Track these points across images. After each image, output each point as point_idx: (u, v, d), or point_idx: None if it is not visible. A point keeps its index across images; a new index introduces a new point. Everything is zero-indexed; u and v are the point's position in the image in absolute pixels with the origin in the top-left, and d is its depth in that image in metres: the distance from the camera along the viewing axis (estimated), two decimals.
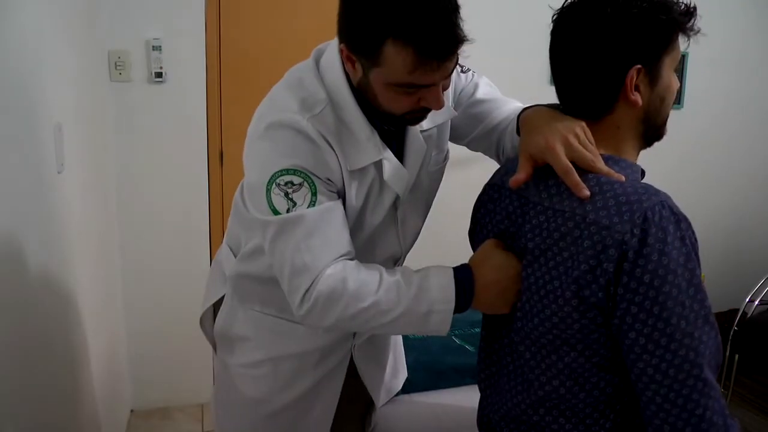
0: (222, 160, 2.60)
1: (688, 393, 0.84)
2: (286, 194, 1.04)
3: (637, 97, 0.93)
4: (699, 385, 0.84)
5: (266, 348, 1.29)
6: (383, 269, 1.07)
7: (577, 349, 0.93)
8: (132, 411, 2.67)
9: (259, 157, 1.09)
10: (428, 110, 1.08)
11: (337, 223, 1.07)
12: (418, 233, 1.31)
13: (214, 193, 2.61)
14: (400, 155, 1.17)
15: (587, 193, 0.90)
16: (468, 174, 1.91)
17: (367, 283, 1.03)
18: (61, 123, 1.61)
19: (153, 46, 2.40)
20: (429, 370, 1.65)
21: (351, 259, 1.08)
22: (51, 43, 1.61)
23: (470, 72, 1.29)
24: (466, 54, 1.00)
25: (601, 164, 0.92)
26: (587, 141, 0.94)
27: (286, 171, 1.04)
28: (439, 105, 1.05)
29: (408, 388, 1.58)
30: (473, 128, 1.27)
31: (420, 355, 1.70)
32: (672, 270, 0.83)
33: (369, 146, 1.11)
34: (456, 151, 1.35)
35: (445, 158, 1.29)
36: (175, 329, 2.58)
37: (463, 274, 1.04)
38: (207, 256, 2.63)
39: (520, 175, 0.98)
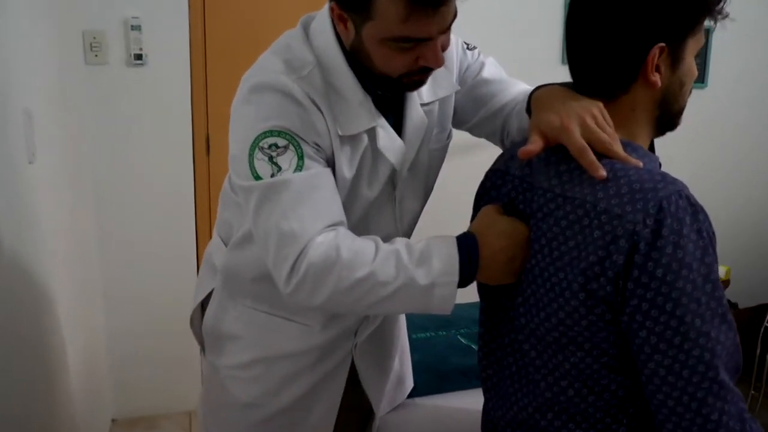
0: (208, 148, 2.60)
1: (702, 396, 0.84)
2: (270, 158, 1.04)
3: (657, 78, 0.93)
4: (714, 388, 0.84)
5: (258, 347, 1.29)
6: (379, 239, 1.06)
7: (585, 349, 0.93)
8: (113, 420, 2.68)
9: (241, 122, 1.09)
10: (428, 72, 1.08)
11: (327, 190, 1.07)
12: (416, 218, 1.31)
13: (201, 183, 2.62)
14: (398, 130, 1.17)
15: (603, 173, 0.90)
16: (471, 161, 1.91)
17: (363, 251, 1.02)
18: (30, 109, 1.60)
19: (132, 26, 2.39)
20: (433, 372, 1.65)
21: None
22: (19, 22, 1.61)
23: (476, 50, 1.30)
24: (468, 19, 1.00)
25: (618, 148, 0.93)
26: (605, 123, 0.94)
27: (270, 132, 1.04)
28: (439, 62, 1.05)
29: (410, 391, 1.57)
30: (477, 110, 1.27)
31: (423, 356, 1.69)
32: (687, 264, 0.83)
33: (361, 112, 1.11)
34: (458, 136, 1.35)
35: (448, 137, 1.29)
36: (159, 330, 2.59)
37: (467, 243, 1.03)
38: (193, 251, 2.63)
39: (532, 147, 0.97)
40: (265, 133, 1.04)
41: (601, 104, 0.96)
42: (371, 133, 1.13)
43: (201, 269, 1.45)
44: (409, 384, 1.57)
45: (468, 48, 1.28)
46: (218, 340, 1.34)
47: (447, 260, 1.01)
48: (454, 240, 1.04)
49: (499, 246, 1.01)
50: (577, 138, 0.93)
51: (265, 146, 1.04)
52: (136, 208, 2.55)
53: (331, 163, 1.11)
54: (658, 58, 0.92)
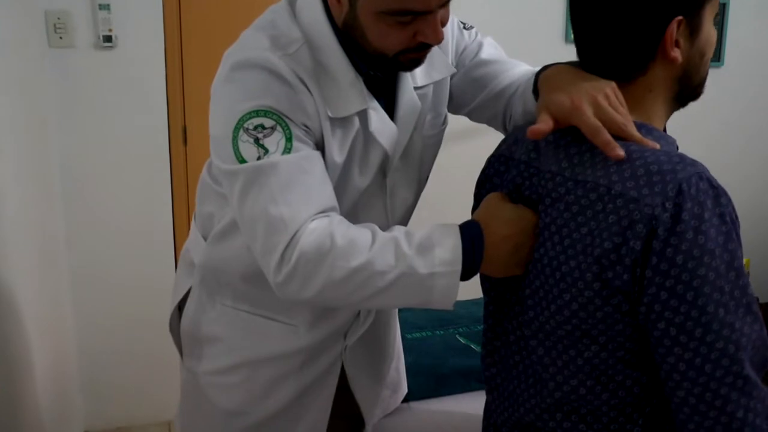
0: (186, 138, 2.59)
1: (726, 392, 0.84)
2: (256, 140, 1.04)
3: (678, 54, 0.94)
4: (739, 383, 0.84)
5: (240, 350, 1.29)
6: (376, 227, 1.06)
7: (599, 342, 0.93)
8: None
9: (223, 103, 1.09)
10: (426, 49, 1.09)
11: (318, 174, 1.07)
12: (410, 211, 1.31)
13: (178, 176, 2.60)
14: (389, 114, 1.18)
15: (621, 152, 0.90)
16: (470, 148, 1.91)
17: (359, 239, 1.02)
18: None
19: (100, 5, 2.37)
20: (430, 374, 1.65)
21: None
22: None
23: (473, 29, 1.30)
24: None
25: (632, 129, 0.93)
26: (618, 103, 0.95)
27: (255, 113, 1.04)
28: (438, 38, 1.05)
29: (406, 396, 1.58)
30: (477, 94, 1.27)
31: (419, 357, 1.70)
32: (709, 250, 0.83)
33: (352, 93, 1.11)
34: (457, 121, 1.35)
35: (444, 123, 1.30)
36: (135, 333, 2.57)
37: (471, 231, 1.03)
38: (171, 250, 2.62)
39: (542, 126, 0.97)
40: (250, 113, 1.04)
41: (614, 84, 0.96)
42: (363, 116, 1.13)
43: (178, 268, 1.44)
44: (404, 390, 1.57)
45: (464, 27, 1.29)
46: (197, 343, 1.33)
47: (449, 248, 1.01)
48: (457, 228, 1.03)
49: (504, 234, 1.01)
50: (589, 117, 0.93)
51: (251, 127, 1.04)
52: (108, 203, 2.53)
53: (320, 147, 1.11)
54: (677, 32, 0.92)
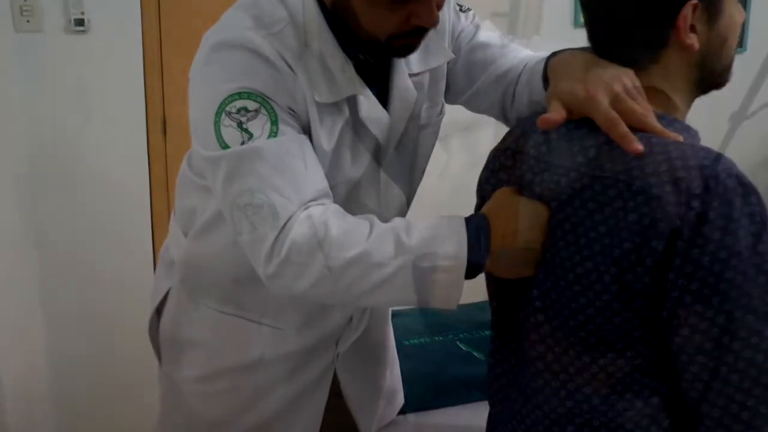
0: (165, 129, 2.58)
1: (754, 405, 0.84)
2: (240, 124, 1.04)
3: (693, 40, 0.93)
4: None
5: (224, 356, 1.29)
6: (375, 217, 1.06)
7: (616, 349, 0.92)
8: None
9: (203, 86, 1.10)
10: (420, 34, 1.09)
11: (307, 159, 1.07)
12: (404, 206, 1.31)
13: (156, 170, 2.60)
14: (383, 103, 1.18)
15: (639, 146, 0.89)
16: (472, 141, 1.90)
17: (355, 228, 1.02)
18: None
19: None
20: (429, 383, 1.66)
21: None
22: None
23: (471, 12, 1.31)
24: None
25: (653, 120, 0.92)
26: (636, 93, 0.95)
27: (238, 95, 1.04)
28: (433, 21, 1.05)
29: (403, 407, 1.58)
30: (474, 79, 1.28)
31: (417, 365, 1.71)
32: (737, 252, 0.83)
33: (341, 77, 1.11)
34: (456, 112, 1.34)
35: (440, 113, 1.30)
36: (110, 344, 2.56)
37: (477, 225, 1.02)
38: (149, 249, 2.62)
39: (554, 116, 0.96)
40: (232, 95, 1.04)
41: (631, 72, 0.96)
42: (352, 102, 1.14)
43: (157, 268, 1.44)
44: (400, 400, 1.58)
45: (461, 10, 1.29)
46: (177, 348, 1.34)
47: (454, 242, 1.00)
48: (463, 220, 1.03)
49: (514, 229, 1.00)
50: (605, 108, 0.92)
51: (233, 111, 1.04)
52: (81, 199, 2.52)
53: (307, 133, 1.11)
54: (692, 17, 0.92)
